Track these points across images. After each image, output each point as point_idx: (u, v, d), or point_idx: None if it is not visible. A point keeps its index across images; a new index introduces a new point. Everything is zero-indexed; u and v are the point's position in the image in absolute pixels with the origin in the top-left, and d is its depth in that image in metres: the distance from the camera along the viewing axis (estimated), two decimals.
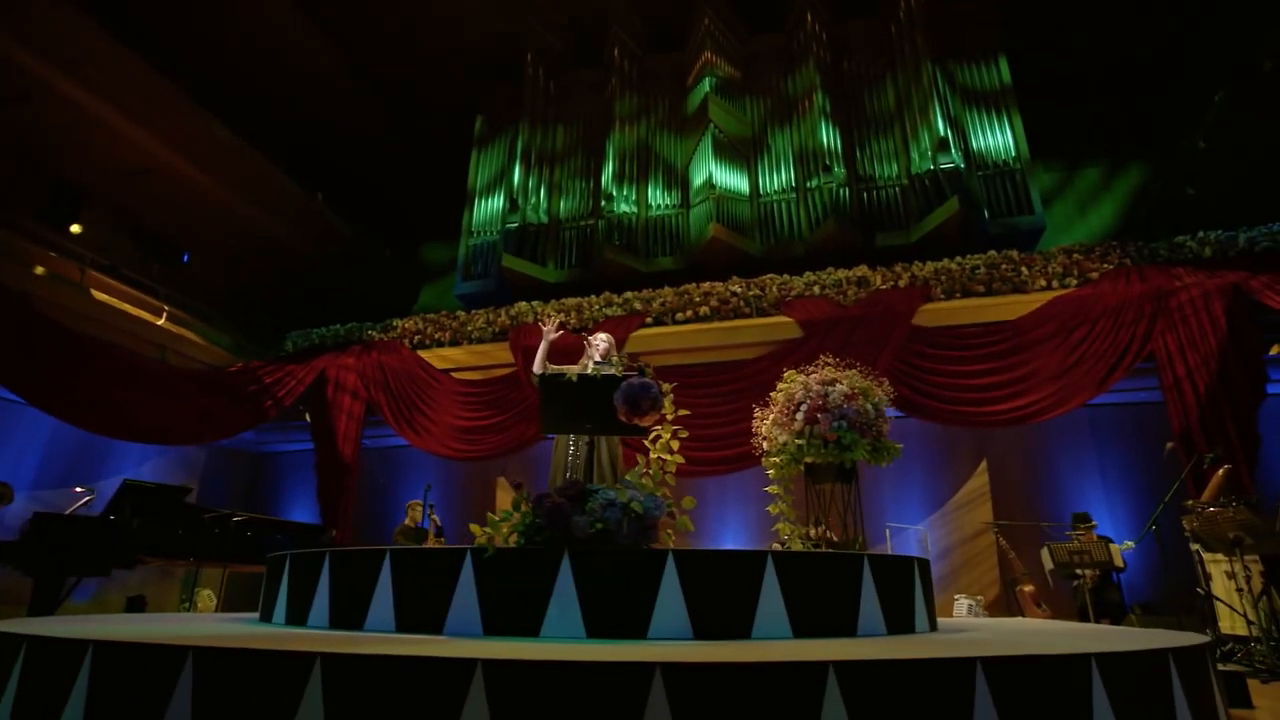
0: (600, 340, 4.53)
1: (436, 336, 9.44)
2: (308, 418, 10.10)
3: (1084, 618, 5.78)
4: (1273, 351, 6.51)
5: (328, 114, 11.86)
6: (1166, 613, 6.24)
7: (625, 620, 2.73)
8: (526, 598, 2.77)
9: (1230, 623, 4.62)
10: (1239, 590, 4.42)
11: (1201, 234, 7.48)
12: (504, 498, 9.24)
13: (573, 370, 3.38)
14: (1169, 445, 6.57)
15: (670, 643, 2.59)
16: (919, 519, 7.94)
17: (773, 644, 2.56)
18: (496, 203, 11.16)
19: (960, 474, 8.10)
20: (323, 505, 9.41)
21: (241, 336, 11.27)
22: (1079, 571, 6.00)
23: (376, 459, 10.17)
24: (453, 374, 9.14)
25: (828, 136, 9.83)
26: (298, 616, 3.27)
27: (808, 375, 4.91)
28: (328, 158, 12.11)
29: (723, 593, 2.81)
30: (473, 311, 9.57)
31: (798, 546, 4.65)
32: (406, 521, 8.01)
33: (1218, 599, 4.55)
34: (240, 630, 2.86)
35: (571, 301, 9.15)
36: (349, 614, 3.04)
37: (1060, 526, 6.59)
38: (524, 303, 9.35)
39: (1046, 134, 10.06)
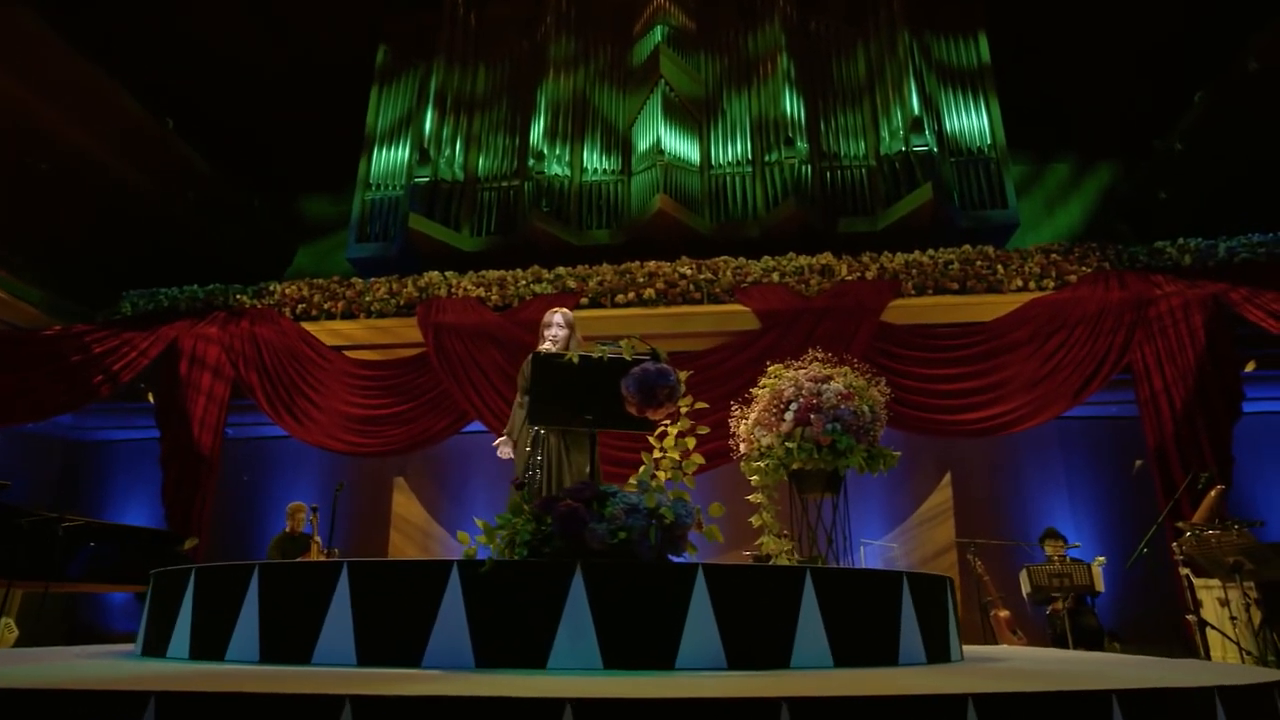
0: (558, 322, 4.36)
1: (326, 307, 8.94)
2: (151, 399, 9.34)
3: (1060, 645, 6.14)
4: (1249, 368, 7.15)
5: (182, 25, 10.91)
6: (1136, 639, 6.74)
7: (649, 647, 2.62)
8: (530, 621, 2.61)
9: (1222, 652, 5.02)
10: (1232, 618, 4.81)
11: (1181, 241, 8.12)
12: (402, 501, 8.89)
13: (572, 351, 3.22)
14: (1138, 462, 7.08)
15: (705, 674, 2.50)
16: (878, 535, 8.22)
17: (818, 675, 2.53)
18: (402, 152, 10.68)
19: (923, 488, 8.44)
20: (169, 508, 8.73)
21: (58, 292, 10.27)
22: (1054, 595, 6.37)
23: (239, 452, 9.54)
24: (346, 352, 8.68)
25: (791, 105, 9.98)
26: (209, 649, 2.95)
27: (796, 370, 4.94)
28: (181, 79, 11.15)
29: (758, 615, 2.75)
30: (371, 280, 9.13)
31: (785, 563, 4.67)
32: (287, 528, 7.55)
33: (1214, 627, 4.93)
34: (163, 670, 2.55)
35: (493, 275, 8.88)
36: (289, 645, 2.77)
37: (1034, 546, 6.97)
38: (435, 273, 8.99)
39: (1016, 123, 10.61)
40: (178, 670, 2.38)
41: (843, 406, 4.70)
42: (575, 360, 3.14)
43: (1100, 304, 7.72)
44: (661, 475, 3.22)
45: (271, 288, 9.55)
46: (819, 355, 5.09)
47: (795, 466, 4.75)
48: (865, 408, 4.79)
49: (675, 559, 2.88)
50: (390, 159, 10.67)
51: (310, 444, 8.49)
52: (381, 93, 11.20)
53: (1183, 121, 9.25)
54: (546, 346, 4.25)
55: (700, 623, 2.67)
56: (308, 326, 8.87)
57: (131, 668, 2.54)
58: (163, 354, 9.06)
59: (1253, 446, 7.46)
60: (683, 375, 3.23)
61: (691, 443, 3.26)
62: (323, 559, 7.08)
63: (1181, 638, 6.51)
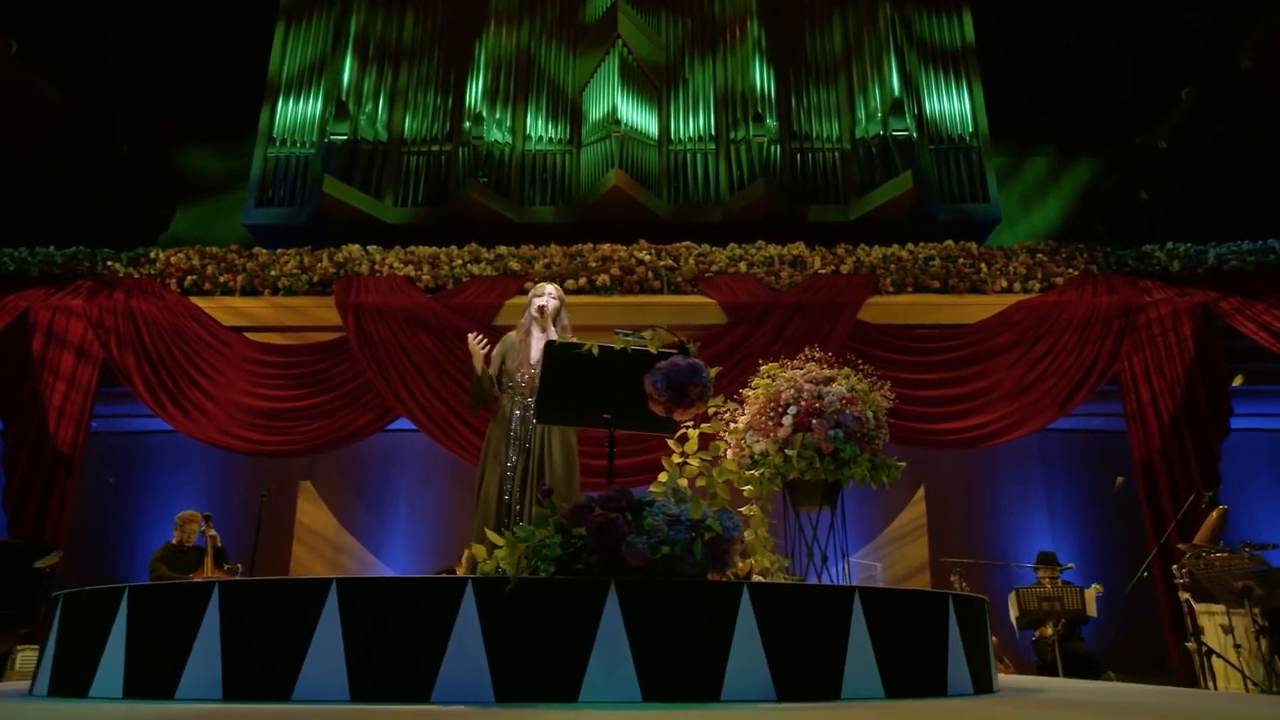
0: (550, 292, 4.37)
1: (223, 280, 8.55)
2: None
3: (1049, 673, 6.42)
4: (1236, 382, 7.63)
5: None
6: (1119, 668, 7.09)
7: (692, 677, 2.59)
8: (560, 649, 2.54)
9: (1225, 682, 5.35)
10: (1236, 646, 5.12)
11: (1170, 245, 8.59)
12: (309, 509, 8.59)
13: (592, 342, 3.16)
14: (1119, 479, 7.44)
15: (756, 706, 2.50)
16: (848, 552, 8.39)
17: (880, 707, 2.56)
18: (313, 104, 10.29)
19: (895, 503, 8.67)
20: (15, 515, 8.19)
21: None
22: (1042, 620, 6.65)
23: (105, 449, 9.02)
24: (247, 334, 8.32)
25: (761, 78, 10.10)
26: (153, 686, 2.75)
27: (792, 370, 5.00)
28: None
29: (807, 640, 2.77)
30: (278, 251, 8.77)
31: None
32: (174, 540, 7.16)
33: (1219, 655, 5.23)
34: (121, 712, 2.38)
35: (424, 251, 8.67)
36: (262, 679, 2.62)
37: (1025, 568, 7.26)
38: (356, 246, 8.72)
39: (994, 111, 11.01)
40: (148, 713, 2.21)
41: (846, 412, 4.77)
42: (595, 351, 3.08)
43: (1088, 309, 8.10)
44: (684, 483, 3.20)
45: (153, 254, 9.07)
46: (817, 354, 5.18)
47: (792, 476, 4.79)
48: (869, 413, 4.88)
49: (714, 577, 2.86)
50: (299, 111, 10.27)
51: (201, 441, 8.08)
52: (289, 31, 10.77)
53: (1168, 119, 9.79)
54: (540, 309, 4.29)
55: (746, 649, 2.66)
56: (199, 302, 8.46)
57: (68, 711, 2.35)
58: (9, 329, 8.47)
59: (1238, 465, 7.95)
60: (713, 371, 3.21)
61: (722, 446, 3.25)
62: (222, 578, 6.76)
63: (1169, 665, 6.90)
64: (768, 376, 4.87)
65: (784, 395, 4.75)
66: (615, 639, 2.56)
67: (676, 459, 3.32)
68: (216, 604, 2.73)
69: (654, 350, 3.15)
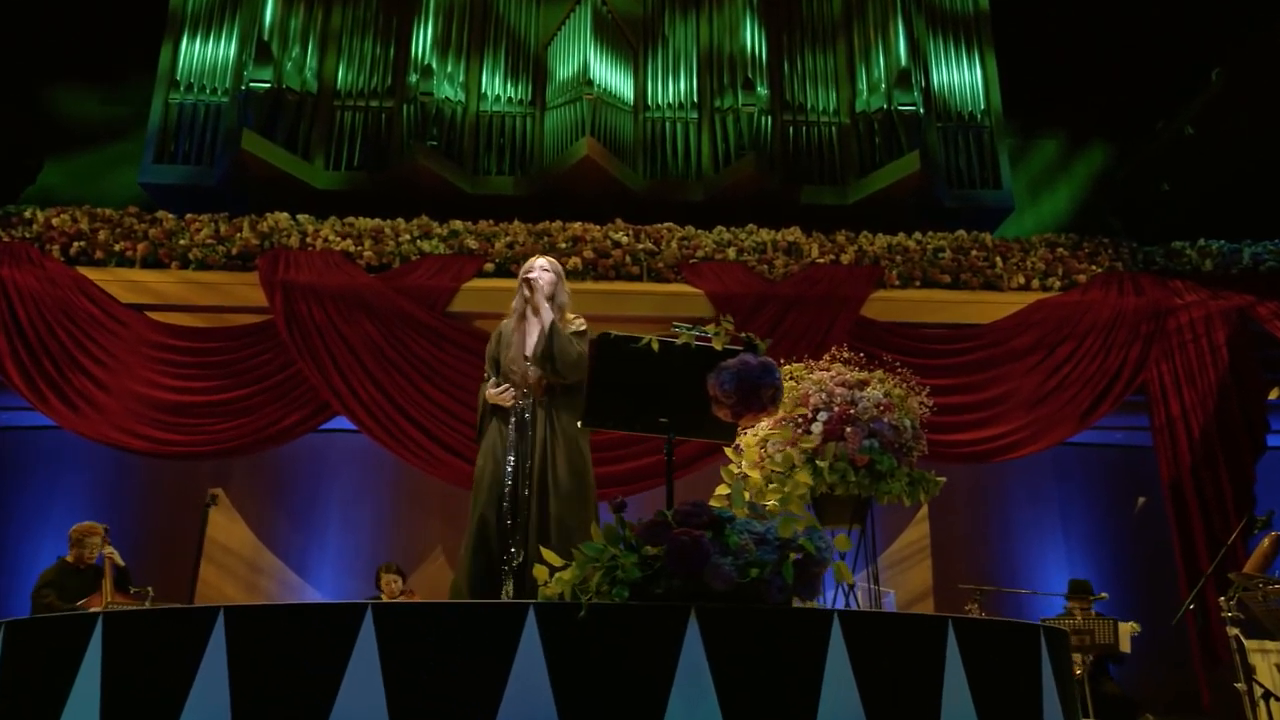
0: (540, 268, 4.31)
1: (119, 248, 8.27)
2: None
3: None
4: (1273, 395, 8.00)
5: None
6: (1150, 710, 7.38)
7: (783, 717, 2.63)
8: (636, 683, 2.55)
9: None
10: None
11: (1202, 243, 8.95)
12: (220, 522, 8.35)
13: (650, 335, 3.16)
14: (1140, 500, 7.71)
15: None
16: (870, 576, 8.56)
17: None
18: (228, 44, 10.02)
19: (897, 522, 8.86)
20: None
21: None
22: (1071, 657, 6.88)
23: None
24: (149, 313, 8.06)
25: (752, 39, 10.19)
26: None
27: (819, 371, 5.10)
28: None
29: (900, 675, 2.82)
30: (187, 216, 8.52)
31: None
32: (68, 558, 6.92)
33: (1277, 698, 5.46)
34: None
35: (366, 224, 8.55)
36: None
37: (1051, 596, 7.49)
38: (283, 214, 8.53)
39: (1002, 87, 11.33)
40: None
41: (882, 419, 4.88)
42: (655, 346, 3.09)
43: (1114, 311, 8.37)
44: (747, 496, 3.24)
45: (28, 213, 8.72)
46: (843, 354, 5.29)
47: (822, 490, 4.87)
48: (906, 422, 5.00)
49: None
50: (210, 52, 10.01)
51: (92, 439, 7.80)
52: None
53: (1195, 103, 10.16)
54: (530, 285, 4.20)
55: (838, 684, 2.70)
56: (88, 273, 8.15)
57: None
58: None
59: (1272, 485, 8.31)
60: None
61: (793, 456, 3.29)
62: (123, 605, 6.56)
63: (1199, 706, 7.20)
64: (792, 378, 4.94)
65: (812, 399, 4.83)
66: (697, 672, 2.57)
67: (735, 469, 3.36)
68: (222, 634, 2.66)
69: (719, 347, 3.16)
